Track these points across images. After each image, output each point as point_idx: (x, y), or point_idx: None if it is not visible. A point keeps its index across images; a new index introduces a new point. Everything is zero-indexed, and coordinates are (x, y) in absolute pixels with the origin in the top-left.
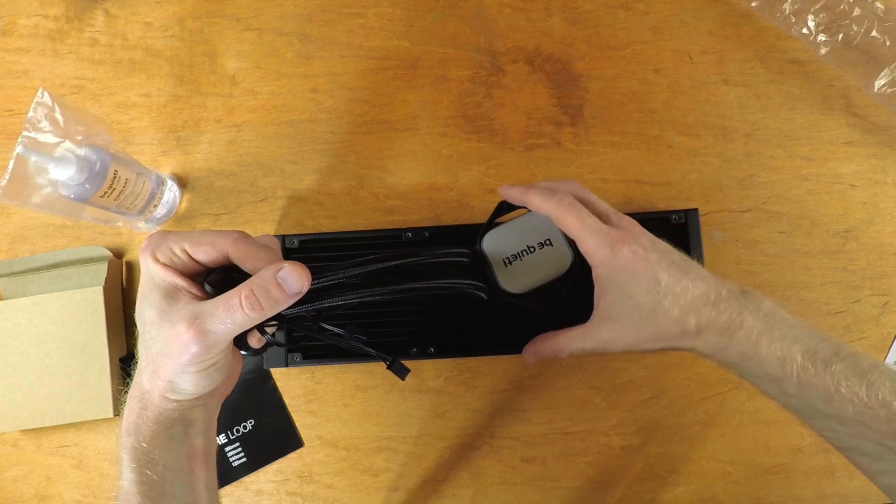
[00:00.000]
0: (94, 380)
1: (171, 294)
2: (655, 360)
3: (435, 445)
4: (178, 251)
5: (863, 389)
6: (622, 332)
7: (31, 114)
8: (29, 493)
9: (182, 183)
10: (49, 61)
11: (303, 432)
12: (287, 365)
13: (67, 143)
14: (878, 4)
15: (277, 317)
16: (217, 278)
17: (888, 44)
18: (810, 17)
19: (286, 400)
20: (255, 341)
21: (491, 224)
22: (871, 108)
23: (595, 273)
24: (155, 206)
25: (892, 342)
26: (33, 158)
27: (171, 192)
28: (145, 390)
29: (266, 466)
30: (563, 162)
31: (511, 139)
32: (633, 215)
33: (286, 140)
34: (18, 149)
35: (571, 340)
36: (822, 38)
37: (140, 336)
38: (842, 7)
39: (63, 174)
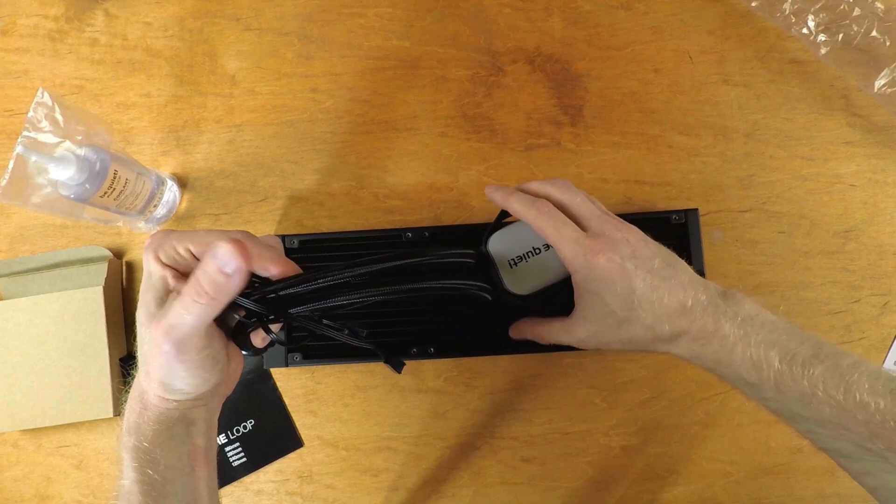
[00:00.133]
0: (94, 380)
1: (162, 296)
2: (655, 360)
3: (435, 445)
4: (181, 251)
5: (840, 392)
6: (596, 333)
7: (31, 114)
8: (29, 493)
9: (182, 183)
10: (49, 61)
11: (303, 432)
12: (287, 365)
13: (67, 143)
14: (878, 4)
15: (283, 315)
16: None
17: (888, 44)
18: (810, 17)
19: (286, 400)
20: (258, 340)
21: (497, 225)
22: (871, 108)
23: (573, 278)
24: (155, 206)
25: (892, 342)
26: (33, 158)
27: (171, 192)
28: (143, 390)
29: (266, 466)
30: (563, 162)
31: (511, 139)
32: (633, 215)
33: (286, 140)
34: (18, 149)
35: (551, 331)
36: (822, 38)
37: (137, 334)
38: (842, 7)
39: (63, 174)
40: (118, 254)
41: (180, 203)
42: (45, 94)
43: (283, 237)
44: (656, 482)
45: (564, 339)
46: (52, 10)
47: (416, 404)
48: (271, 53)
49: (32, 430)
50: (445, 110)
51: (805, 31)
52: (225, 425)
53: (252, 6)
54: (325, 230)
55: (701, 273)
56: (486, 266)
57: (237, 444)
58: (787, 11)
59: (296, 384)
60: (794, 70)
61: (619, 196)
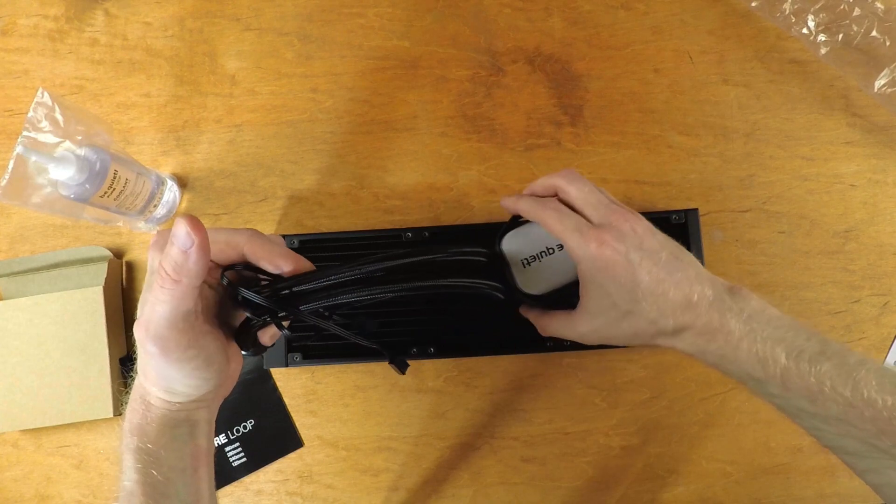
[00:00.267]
0: (94, 380)
1: None
2: (655, 360)
3: (435, 445)
4: None
5: (847, 388)
6: (599, 327)
7: (31, 114)
8: (29, 493)
9: (182, 183)
10: (49, 61)
11: (303, 432)
12: (287, 365)
13: (67, 143)
14: (878, 4)
15: (293, 312)
16: (234, 274)
17: (888, 44)
18: (810, 17)
19: (286, 400)
20: (267, 338)
21: (511, 225)
22: (871, 108)
23: (578, 269)
24: (155, 206)
25: (892, 342)
26: (33, 158)
27: (171, 192)
28: (145, 392)
29: (266, 466)
30: (563, 162)
31: (511, 139)
32: None
33: (286, 140)
34: (18, 149)
35: (553, 324)
36: (822, 38)
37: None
38: (842, 7)
39: (63, 174)
40: (118, 254)
41: (180, 203)
42: (45, 94)
43: (283, 237)
44: (656, 482)
45: (566, 333)
46: (52, 10)
47: (416, 404)
48: (271, 53)
49: (32, 430)
50: (445, 110)
51: (805, 31)
52: (225, 425)
53: (252, 6)
54: (325, 230)
55: None
56: (498, 265)
57: (237, 444)
58: (787, 11)
59: (296, 384)
60: (794, 70)
61: (620, 196)
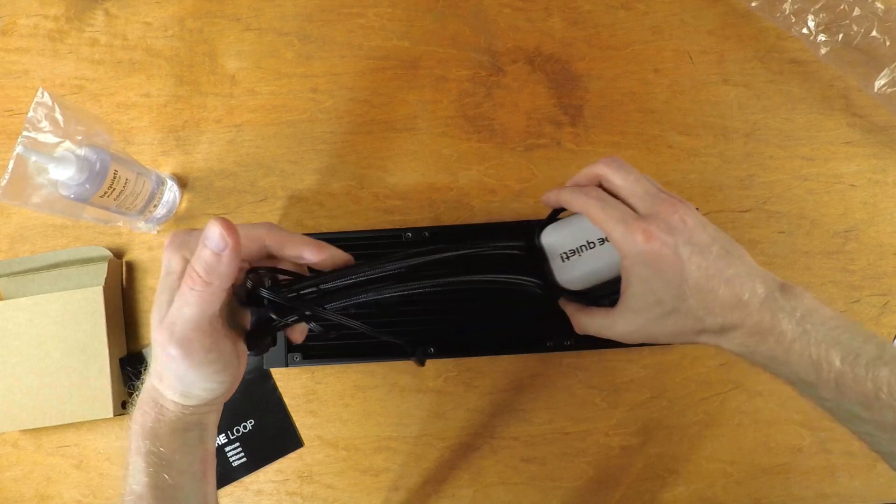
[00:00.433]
0: (94, 380)
1: (170, 303)
2: (655, 360)
3: (435, 445)
4: None
5: None
6: (641, 325)
7: (31, 114)
8: (29, 493)
9: (182, 183)
10: (49, 61)
11: (303, 432)
12: (287, 365)
13: (67, 143)
14: (878, 4)
15: (319, 311)
16: (257, 276)
17: (888, 44)
18: (810, 17)
19: (286, 400)
20: (297, 334)
21: (551, 218)
22: (871, 108)
23: (622, 263)
24: (155, 206)
25: (893, 342)
26: (33, 158)
27: (171, 192)
28: (159, 395)
29: (266, 466)
30: (563, 162)
31: (511, 139)
32: None
33: (286, 140)
34: (18, 149)
35: (591, 322)
36: (822, 38)
37: (152, 337)
38: (842, 7)
39: (63, 174)
40: (118, 254)
41: (180, 203)
42: (45, 94)
43: None
44: (656, 482)
45: (605, 332)
46: (52, 10)
47: (416, 404)
48: (271, 53)
49: (32, 430)
50: (445, 110)
51: (805, 31)
52: (225, 425)
53: (252, 6)
54: (325, 230)
55: None
56: (537, 259)
57: (237, 444)
58: (787, 11)
59: (296, 384)
60: (794, 70)
61: None
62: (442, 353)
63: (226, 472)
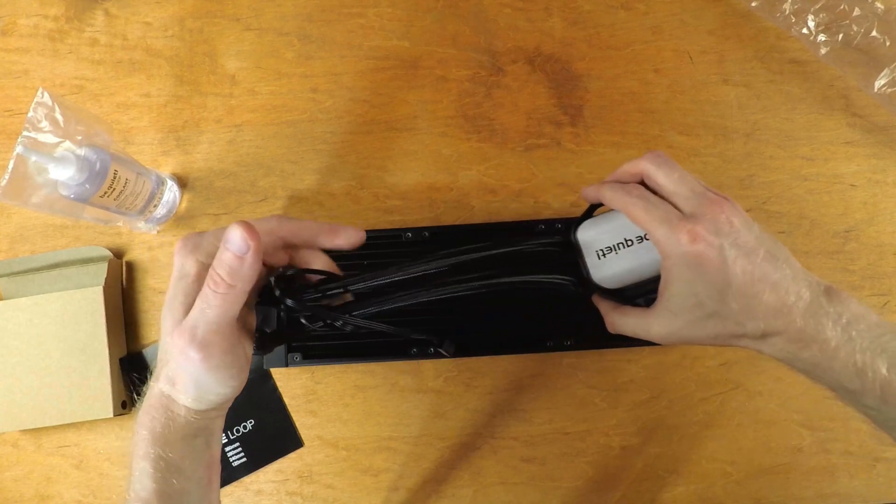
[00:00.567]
0: (94, 380)
1: (193, 300)
2: (655, 359)
3: (435, 445)
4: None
5: None
6: (679, 327)
7: (31, 114)
8: (29, 493)
9: (182, 183)
10: (49, 61)
11: (303, 432)
12: (287, 365)
13: (67, 143)
14: (878, 4)
15: (349, 319)
16: (283, 280)
17: (888, 44)
18: (810, 17)
19: (286, 400)
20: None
21: (587, 214)
22: (871, 108)
23: (662, 265)
24: (155, 206)
25: None
26: (33, 158)
27: (171, 192)
28: (169, 400)
29: (266, 466)
30: (563, 162)
31: (511, 139)
32: None
33: (286, 140)
34: (18, 149)
35: (626, 322)
36: (822, 38)
37: (161, 342)
38: (842, 7)
39: (63, 174)
40: (118, 254)
41: (180, 203)
42: (45, 94)
43: None
44: (656, 482)
45: (640, 332)
46: (52, 10)
47: (416, 404)
48: (271, 53)
49: (32, 430)
50: (445, 110)
51: (805, 31)
52: (225, 425)
53: (252, 6)
54: None
55: None
56: (572, 256)
57: (237, 444)
58: (787, 11)
59: (296, 384)
60: (794, 70)
61: None
62: (441, 353)
63: (226, 472)
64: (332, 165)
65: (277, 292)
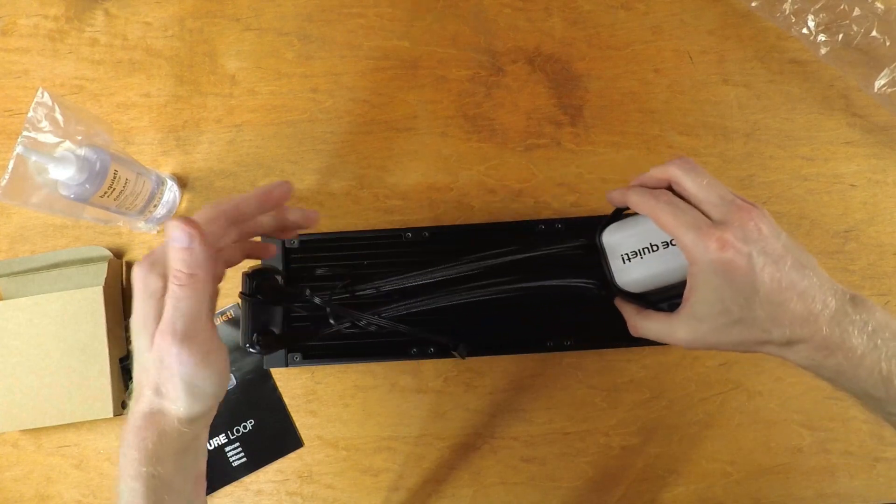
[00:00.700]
0: (94, 380)
1: (158, 320)
2: (655, 360)
3: (435, 445)
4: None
5: None
6: (704, 333)
7: (31, 114)
8: (29, 493)
9: (182, 183)
10: (49, 61)
11: (303, 432)
12: (287, 365)
13: (67, 143)
14: (878, 4)
15: (373, 319)
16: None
17: (888, 44)
18: (810, 17)
19: (286, 400)
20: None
21: (614, 217)
22: (871, 108)
23: (689, 270)
24: (155, 206)
25: None
26: (33, 158)
27: (171, 192)
28: (160, 415)
29: (266, 466)
30: (563, 162)
31: (511, 139)
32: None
33: (286, 140)
34: (18, 149)
35: (649, 326)
36: (822, 38)
37: (136, 363)
38: (842, 7)
39: (63, 174)
40: (118, 254)
41: (180, 203)
42: (45, 94)
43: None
44: (656, 482)
45: (664, 337)
46: (52, 10)
47: (416, 404)
48: (271, 53)
49: (32, 430)
50: (445, 110)
51: (805, 31)
52: (225, 425)
53: (252, 6)
54: (325, 230)
55: None
56: (596, 258)
57: (237, 444)
58: (787, 11)
59: (296, 384)
60: (794, 70)
61: None
62: (442, 353)
63: (226, 472)
64: (332, 165)
65: (309, 294)
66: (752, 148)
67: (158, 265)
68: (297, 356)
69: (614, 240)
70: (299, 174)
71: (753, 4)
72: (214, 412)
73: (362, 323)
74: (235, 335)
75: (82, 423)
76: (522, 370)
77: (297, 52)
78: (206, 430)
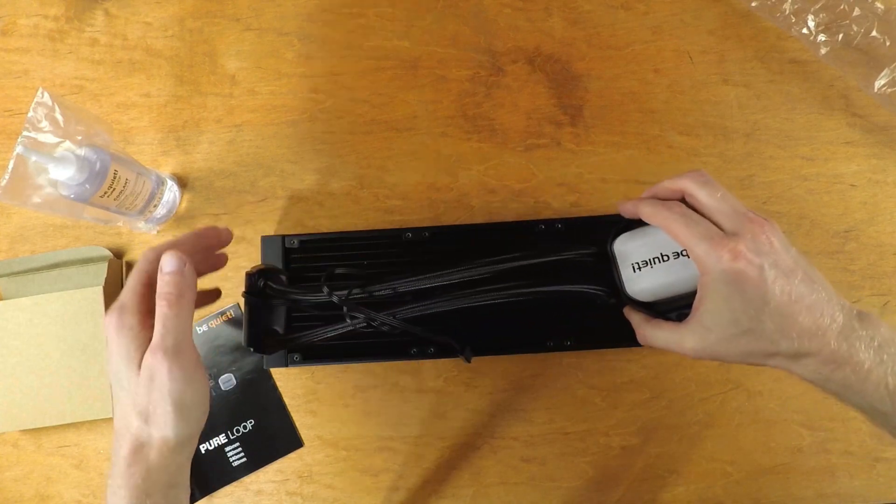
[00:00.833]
0: (94, 380)
1: (141, 344)
2: (655, 360)
3: (435, 445)
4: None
5: None
6: (712, 343)
7: (31, 114)
8: (29, 493)
9: (182, 183)
10: (49, 61)
11: (303, 432)
12: (287, 365)
13: (67, 143)
14: (878, 4)
15: (386, 320)
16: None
17: (888, 44)
18: (810, 17)
19: (286, 400)
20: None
21: (626, 225)
22: (871, 108)
23: (700, 281)
24: (155, 206)
25: None
26: (33, 158)
27: (171, 192)
28: (147, 442)
29: (266, 466)
30: (563, 162)
31: (511, 139)
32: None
33: (286, 140)
34: (18, 149)
35: (658, 336)
36: (822, 38)
37: (117, 402)
38: (842, 7)
39: (63, 174)
40: (118, 254)
41: (180, 203)
42: (45, 94)
43: (282, 237)
44: (656, 482)
45: (672, 346)
46: (52, 10)
47: (416, 404)
48: (271, 53)
49: (32, 430)
50: (445, 110)
51: (805, 31)
52: (225, 425)
53: (252, 6)
54: (325, 230)
55: None
56: (606, 266)
57: (237, 444)
58: (787, 11)
59: (296, 384)
60: (794, 70)
61: (620, 196)
62: (442, 353)
63: (226, 472)
64: (332, 165)
65: (328, 292)
66: (752, 148)
67: (127, 308)
68: (297, 356)
69: (626, 248)
70: (299, 174)
71: (753, 4)
72: (196, 441)
73: (376, 323)
74: (236, 335)
75: (82, 423)
76: (523, 370)
77: (297, 52)
78: (188, 463)
